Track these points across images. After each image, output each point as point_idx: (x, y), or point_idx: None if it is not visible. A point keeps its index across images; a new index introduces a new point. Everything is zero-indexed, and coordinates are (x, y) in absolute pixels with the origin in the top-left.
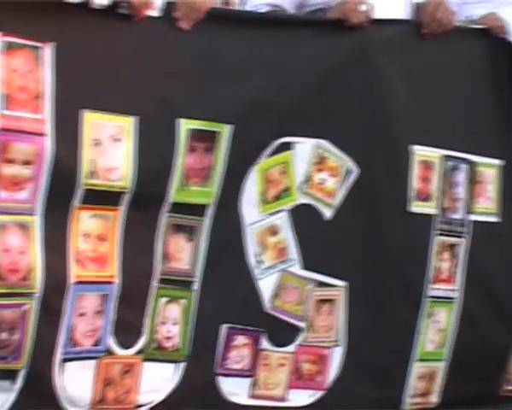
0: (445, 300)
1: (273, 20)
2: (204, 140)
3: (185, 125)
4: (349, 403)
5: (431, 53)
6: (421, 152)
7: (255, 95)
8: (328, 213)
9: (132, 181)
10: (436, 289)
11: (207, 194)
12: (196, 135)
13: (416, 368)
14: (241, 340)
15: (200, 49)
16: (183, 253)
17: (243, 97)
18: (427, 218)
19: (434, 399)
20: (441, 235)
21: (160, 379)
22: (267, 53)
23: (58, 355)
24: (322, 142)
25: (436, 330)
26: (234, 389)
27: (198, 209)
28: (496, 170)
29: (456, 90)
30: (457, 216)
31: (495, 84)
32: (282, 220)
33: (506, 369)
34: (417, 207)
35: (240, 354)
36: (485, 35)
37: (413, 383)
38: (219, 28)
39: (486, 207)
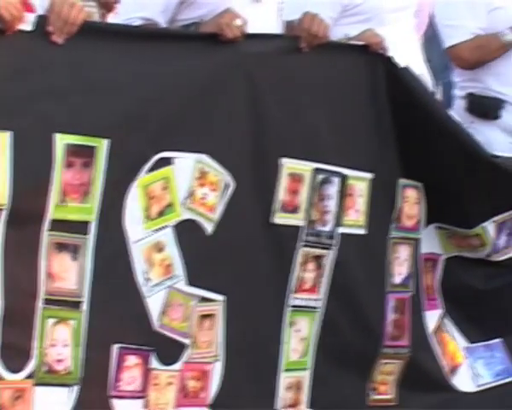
0: (307, 309)
1: (148, 34)
2: (82, 155)
3: (62, 141)
4: None
5: (307, 67)
6: (290, 165)
7: (132, 109)
8: (209, 227)
9: (9, 197)
10: (297, 299)
11: (87, 210)
12: (73, 150)
13: (284, 378)
14: (132, 360)
15: (74, 62)
16: (68, 272)
17: (120, 112)
18: (293, 229)
19: (304, 409)
20: (307, 246)
21: (53, 404)
22: (143, 66)
23: None
24: (203, 156)
25: (298, 339)
26: None
27: (80, 226)
28: (366, 183)
29: (332, 105)
30: (326, 228)
31: (371, 99)
32: (167, 237)
33: (370, 378)
34: (282, 219)
35: (131, 375)
36: (364, 51)
37: (282, 393)
38: (94, 41)
39: (355, 220)
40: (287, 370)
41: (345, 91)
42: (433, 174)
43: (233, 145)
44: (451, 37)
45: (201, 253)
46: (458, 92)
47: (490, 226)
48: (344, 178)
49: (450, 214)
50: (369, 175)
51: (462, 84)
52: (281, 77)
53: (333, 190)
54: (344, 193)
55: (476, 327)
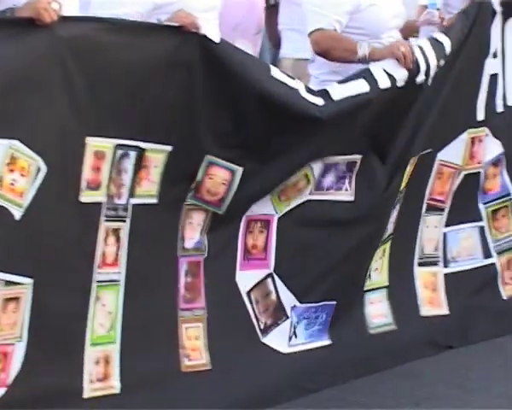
0: (110, 283)
1: None
2: None
3: None
4: (36, 396)
5: (120, 48)
6: (93, 143)
7: None
8: (17, 213)
9: None
10: (101, 274)
11: None
12: None
13: (91, 353)
14: None
15: None
16: None
17: None
18: (96, 206)
19: (115, 382)
20: (107, 221)
21: None
22: None
23: None
24: (14, 142)
25: (105, 313)
26: None
27: None
28: (164, 155)
29: (134, 83)
30: (121, 201)
31: (184, 77)
32: None
33: (180, 345)
34: (88, 197)
35: None
36: (177, 31)
37: (90, 368)
38: None
39: (147, 190)
40: (93, 344)
41: (157, 71)
42: (253, 145)
43: (44, 130)
44: (314, 22)
45: (9, 239)
46: (316, 88)
47: (316, 165)
48: (141, 151)
49: (278, 174)
50: (168, 147)
51: (323, 77)
52: (94, 58)
53: (129, 163)
54: (139, 165)
55: (309, 288)
